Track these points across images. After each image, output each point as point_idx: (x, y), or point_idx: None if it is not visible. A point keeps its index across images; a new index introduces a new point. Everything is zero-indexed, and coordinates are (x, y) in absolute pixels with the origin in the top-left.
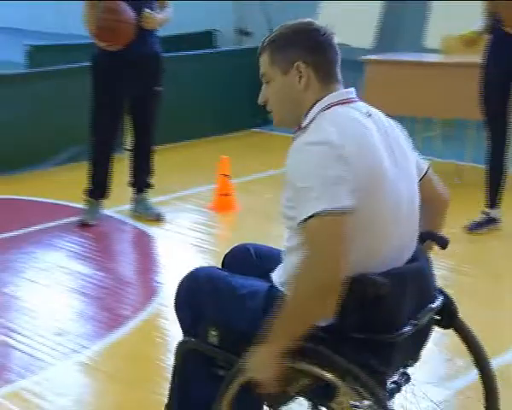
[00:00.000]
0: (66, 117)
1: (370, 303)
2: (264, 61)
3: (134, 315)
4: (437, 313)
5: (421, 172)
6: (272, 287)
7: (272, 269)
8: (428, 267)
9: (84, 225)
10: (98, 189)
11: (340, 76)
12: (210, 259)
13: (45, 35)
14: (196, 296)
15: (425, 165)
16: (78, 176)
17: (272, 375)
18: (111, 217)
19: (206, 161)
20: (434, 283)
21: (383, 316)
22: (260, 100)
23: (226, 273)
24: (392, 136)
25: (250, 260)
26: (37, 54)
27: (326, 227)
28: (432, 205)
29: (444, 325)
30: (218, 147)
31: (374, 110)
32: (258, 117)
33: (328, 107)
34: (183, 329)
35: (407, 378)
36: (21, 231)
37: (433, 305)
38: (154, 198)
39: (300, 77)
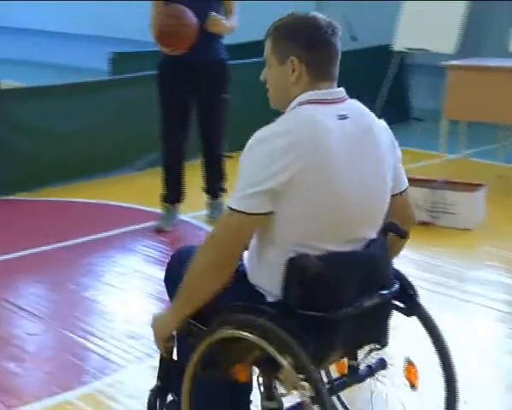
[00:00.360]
0: (148, 123)
1: (310, 282)
2: (267, 46)
3: None
4: (400, 302)
5: (397, 188)
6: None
7: None
8: (382, 256)
9: (159, 231)
10: (172, 194)
11: (334, 74)
12: None
13: (129, 42)
14: (176, 271)
15: (404, 184)
16: (159, 181)
17: (167, 333)
18: (187, 222)
19: None
20: (388, 271)
21: (323, 295)
22: (261, 78)
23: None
24: (369, 140)
25: None
26: (121, 61)
27: (233, 221)
28: (398, 222)
29: (406, 313)
30: None
31: (357, 113)
32: None
33: (303, 103)
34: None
35: (384, 364)
36: (101, 235)
37: (385, 291)
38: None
39: (293, 70)
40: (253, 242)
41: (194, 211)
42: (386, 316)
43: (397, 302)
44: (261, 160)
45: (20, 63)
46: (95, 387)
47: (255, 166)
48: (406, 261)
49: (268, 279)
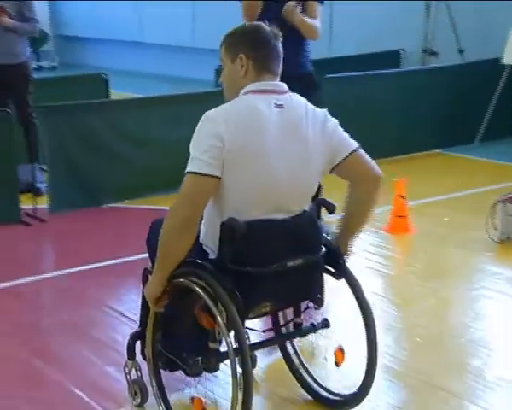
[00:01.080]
0: None
1: (238, 241)
2: (222, 50)
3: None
4: (332, 268)
5: (343, 153)
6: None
7: None
8: (307, 226)
9: None
10: None
11: (275, 69)
12: (382, 281)
13: None
14: (154, 234)
15: (350, 146)
16: None
17: (155, 295)
18: None
19: (384, 181)
20: (314, 239)
21: (249, 253)
22: (220, 79)
23: None
24: (298, 128)
25: None
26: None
27: (189, 183)
28: (363, 184)
29: (336, 277)
30: (396, 167)
31: (293, 104)
32: (440, 138)
33: (246, 93)
34: (150, 261)
35: (326, 324)
36: None
37: (310, 255)
38: (327, 217)
39: (242, 66)
40: (206, 207)
41: None
42: (315, 277)
43: (329, 268)
44: (207, 135)
45: (133, 74)
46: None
47: (202, 139)
48: (502, 279)
49: (210, 238)
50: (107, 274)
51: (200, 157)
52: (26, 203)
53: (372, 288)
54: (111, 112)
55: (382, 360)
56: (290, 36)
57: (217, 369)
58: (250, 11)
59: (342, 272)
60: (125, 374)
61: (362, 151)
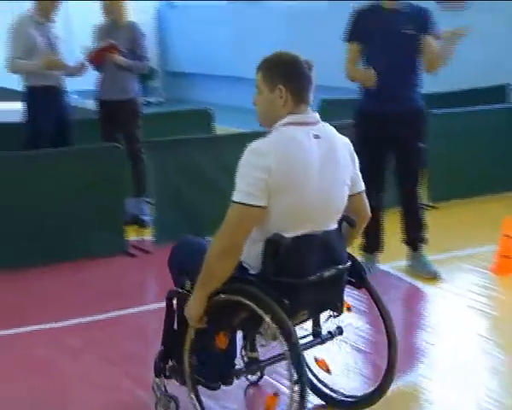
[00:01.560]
0: None
1: (282, 255)
2: (258, 76)
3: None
4: (351, 276)
5: (355, 189)
6: None
7: None
8: (337, 240)
9: None
10: (371, 243)
11: (309, 99)
12: (487, 323)
13: (340, 89)
14: (178, 257)
15: (360, 187)
16: None
17: (198, 313)
18: (387, 272)
19: (491, 219)
20: (342, 252)
21: (292, 265)
22: (253, 101)
23: (201, 239)
24: (333, 155)
25: None
26: (330, 107)
27: (236, 213)
28: (357, 219)
29: (356, 286)
30: (503, 205)
31: (327, 134)
32: None
33: (285, 124)
34: (174, 282)
35: (340, 331)
36: None
37: (340, 266)
38: (431, 256)
39: (281, 97)
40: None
41: (393, 261)
42: (341, 287)
43: (350, 278)
44: (254, 167)
45: (237, 110)
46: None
47: (250, 171)
48: None
49: (251, 255)
50: None
51: (247, 189)
52: (132, 235)
53: (476, 329)
54: (215, 147)
55: (487, 405)
56: (404, 70)
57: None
58: (354, 55)
59: (363, 283)
60: (155, 392)
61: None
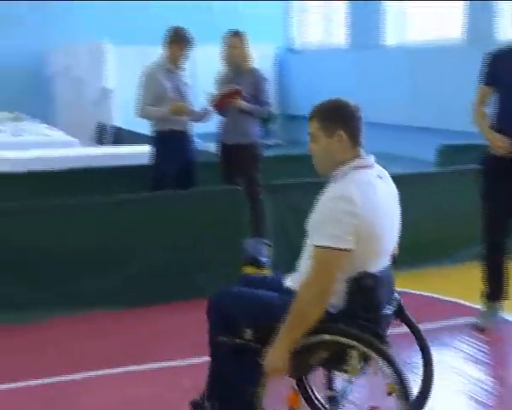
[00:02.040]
0: (468, 215)
1: (365, 292)
2: (313, 124)
3: None
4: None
5: None
6: (291, 291)
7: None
8: (392, 275)
9: (479, 329)
10: (494, 291)
11: (363, 141)
12: None
13: (455, 134)
14: (226, 307)
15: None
16: (478, 275)
17: (284, 361)
18: (510, 322)
19: None
20: (394, 285)
21: (373, 301)
22: (308, 150)
23: (249, 289)
24: (393, 193)
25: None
26: (449, 153)
27: (327, 257)
28: None
29: (395, 315)
30: None
31: (384, 173)
32: None
33: (355, 168)
34: (213, 331)
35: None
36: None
37: (396, 298)
38: None
39: (339, 141)
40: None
41: None
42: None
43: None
44: (343, 213)
45: None
46: None
47: (339, 217)
48: None
49: (334, 295)
50: None
51: (335, 233)
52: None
53: None
54: None
55: None
56: None
57: None
58: (484, 98)
59: (401, 312)
60: None
61: None
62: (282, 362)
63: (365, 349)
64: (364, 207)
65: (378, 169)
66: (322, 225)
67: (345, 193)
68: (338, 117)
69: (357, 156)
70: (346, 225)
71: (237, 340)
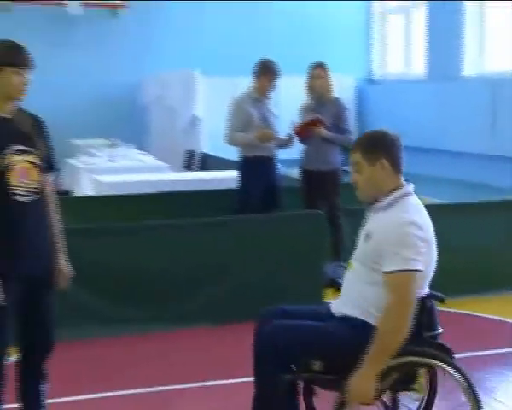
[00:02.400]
0: None
1: (428, 312)
2: (356, 155)
3: None
4: None
5: None
6: (355, 319)
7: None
8: None
9: None
10: None
11: (403, 168)
12: None
13: None
14: (283, 343)
15: None
16: None
17: (372, 393)
18: None
19: None
20: None
21: (435, 319)
22: (352, 180)
23: (297, 321)
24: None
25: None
26: None
27: (410, 281)
28: None
29: None
30: None
31: (420, 199)
32: None
33: (405, 195)
34: (269, 370)
35: None
36: (494, 352)
37: None
38: None
39: (382, 169)
40: (372, 291)
41: None
42: None
43: None
44: (417, 238)
45: (429, 179)
46: None
47: (415, 242)
48: None
49: None
50: None
51: (412, 256)
52: (329, 298)
53: None
54: None
55: None
56: None
57: None
58: None
59: None
60: None
61: None
62: (370, 389)
63: (441, 364)
64: (428, 232)
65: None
66: (398, 250)
67: (414, 219)
68: (379, 146)
69: (401, 184)
70: (417, 249)
71: (305, 374)
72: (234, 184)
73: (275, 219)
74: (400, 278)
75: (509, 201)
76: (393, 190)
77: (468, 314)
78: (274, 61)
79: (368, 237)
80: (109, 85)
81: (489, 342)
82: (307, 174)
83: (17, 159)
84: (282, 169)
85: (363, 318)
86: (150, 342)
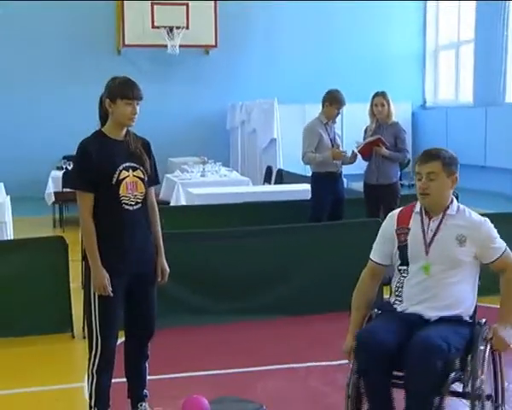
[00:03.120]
0: None
1: None
2: (435, 164)
3: None
4: None
5: None
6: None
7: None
8: None
9: None
10: None
11: None
12: None
13: None
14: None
15: None
16: None
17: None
18: None
19: None
20: None
21: None
22: (421, 187)
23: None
24: None
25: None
26: None
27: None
28: None
29: None
30: None
31: None
32: None
33: (459, 204)
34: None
35: None
36: None
37: None
38: None
39: (453, 182)
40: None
41: None
42: None
43: None
44: (493, 227)
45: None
46: None
47: (494, 230)
48: None
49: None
50: None
51: (500, 240)
52: (386, 295)
53: None
54: None
55: None
56: None
57: None
58: None
59: None
60: None
61: None
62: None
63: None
64: None
65: None
66: (494, 241)
67: (485, 218)
68: (456, 164)
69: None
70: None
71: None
72: (305, 196)
73: (340, 226)
74: (507, 258)
75: None
76: (452, 201)
77: None
78: (340, 90)
79: (461, 241)
80: (202, 112)
81: None
82: (369, 187)
83: (127, 174)
84: (347, 183)
85: (463, 314)
86: (238, 331)
